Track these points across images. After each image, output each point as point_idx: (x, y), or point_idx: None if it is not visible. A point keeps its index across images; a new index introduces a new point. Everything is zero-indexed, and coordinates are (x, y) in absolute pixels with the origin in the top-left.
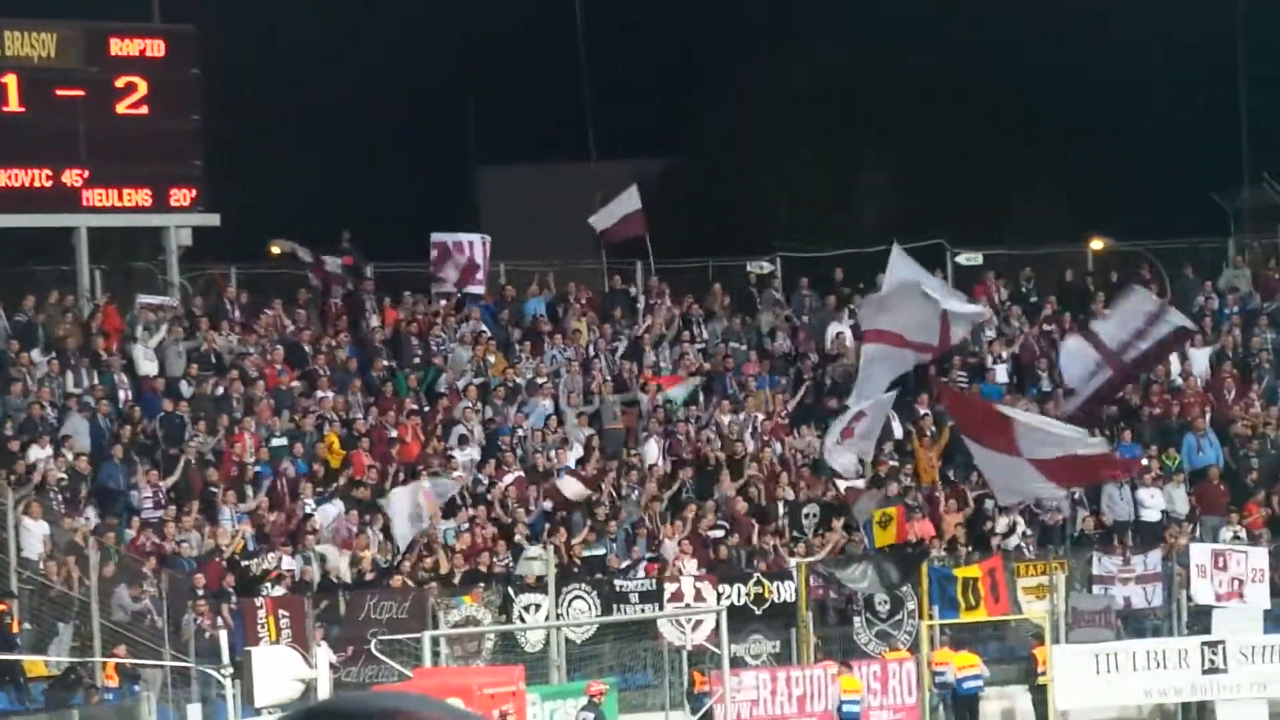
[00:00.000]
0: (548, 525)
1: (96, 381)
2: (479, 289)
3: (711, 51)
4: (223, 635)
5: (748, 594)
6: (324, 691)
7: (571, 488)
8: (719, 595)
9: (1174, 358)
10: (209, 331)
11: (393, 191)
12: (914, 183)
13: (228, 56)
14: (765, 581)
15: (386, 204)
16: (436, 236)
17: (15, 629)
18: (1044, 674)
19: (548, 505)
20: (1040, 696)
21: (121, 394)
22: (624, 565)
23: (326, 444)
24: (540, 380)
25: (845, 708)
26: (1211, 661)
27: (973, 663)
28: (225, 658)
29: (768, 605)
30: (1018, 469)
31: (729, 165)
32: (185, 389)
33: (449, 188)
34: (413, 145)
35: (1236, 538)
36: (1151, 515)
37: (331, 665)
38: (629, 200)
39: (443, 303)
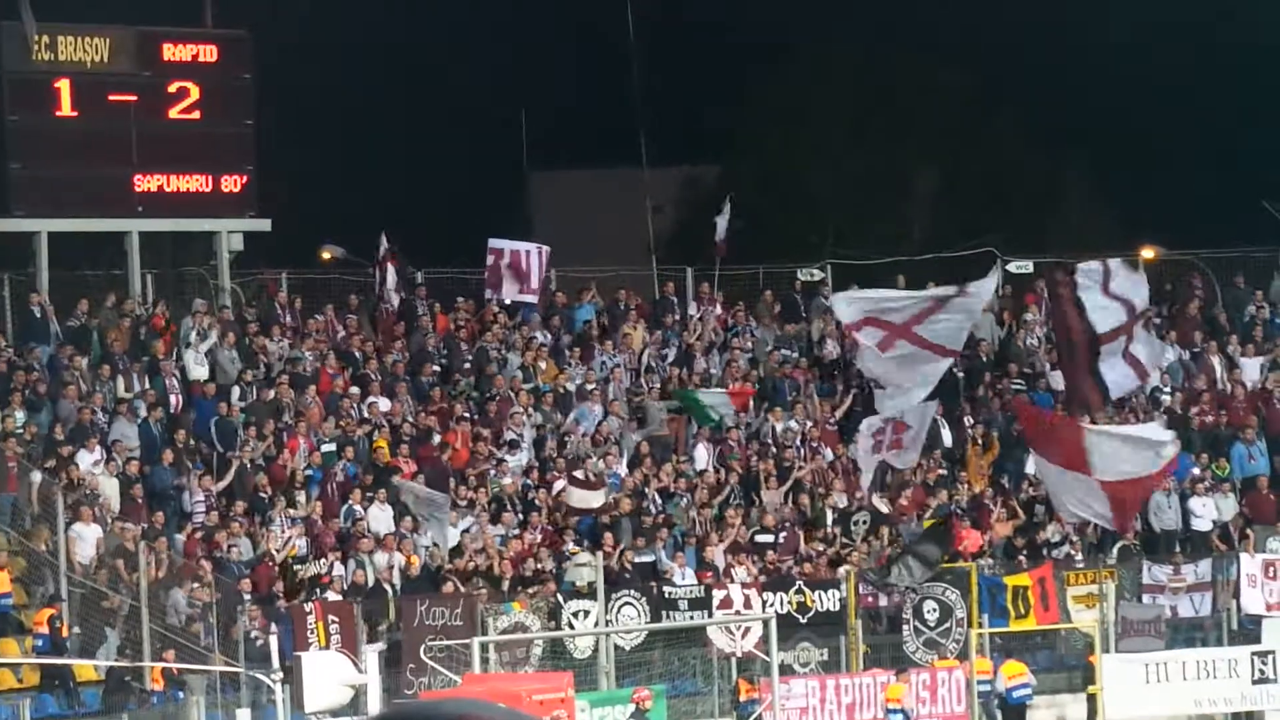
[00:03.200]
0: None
1: (148, 386)
2: (531, 298)
3: (761, 60)
4: (272, 640)
5: (790, 602)
6: (374, 696)
7: (580, 498)
8: (764, 603)
9: (1219, 363)
10: (259, 337)
11: (445, 197)
12: (964, 190)
13: (279, 61)
14: (806, 590)
15: (439, 210)
16: (495, 243)
17: (65, 633)
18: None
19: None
20: (1095, 705)
21: (173, 399)
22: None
23: (376, 449)
24: (590, 386)
25: (890, 717)
26: (1261, 671)
27: (1020, 672)
28: (275, 663)
29: (811, 614)
30: (1086, 487)
31: (779, 172)
32: (236, 394)
33: (500, 193)
34: (465, 151)
35: None
36: (1201, 525)
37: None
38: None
39: (495, 309)
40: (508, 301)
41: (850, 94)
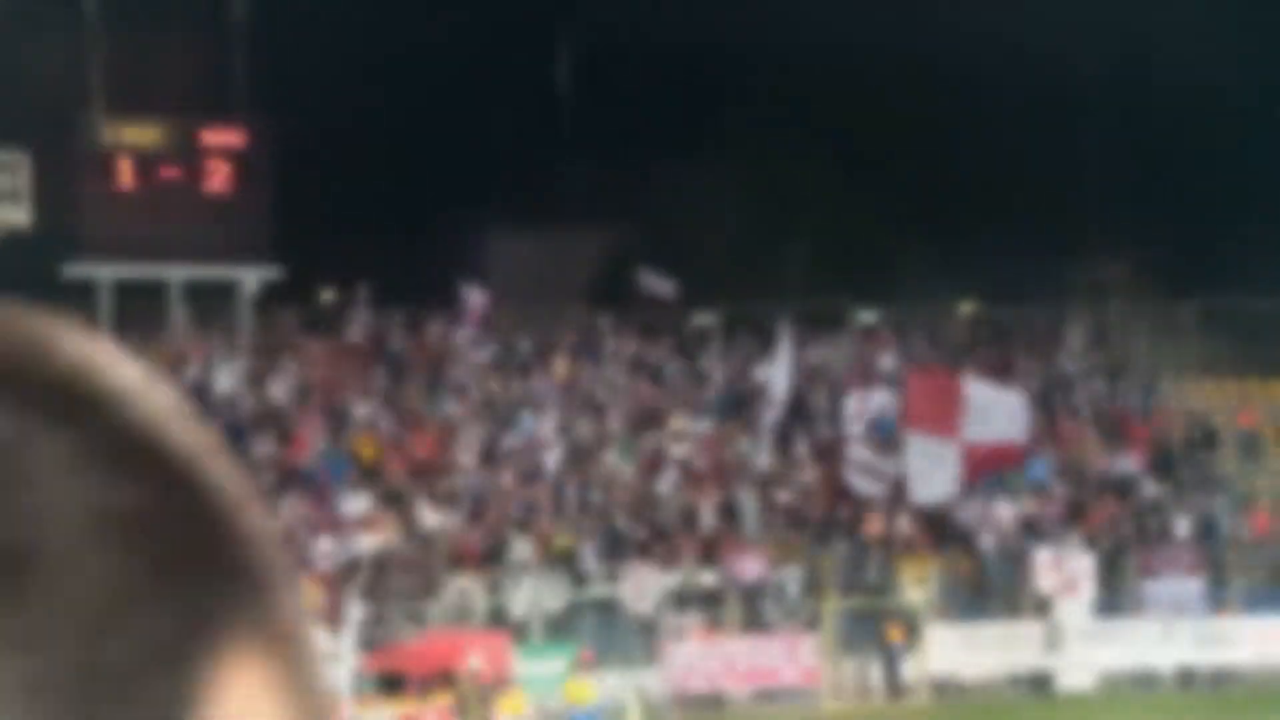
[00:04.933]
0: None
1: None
2: (477, 329)
3: (664, 120)
4: None
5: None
6: (348, 648)
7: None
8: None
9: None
10: (272, 369)
11: (414, 244)
12: (823, 243)
13: (296, 137)
14: (696, 569)
15: (410, 254)
16: (462, 288)
17: None
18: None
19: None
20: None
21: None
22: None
23: (361, 449)
24: (528, 405)
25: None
26: (1052, 640)
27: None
28: None
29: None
30: (947, 456)
31: (683, 227)
32: (248, 404)
33: (457, 244)
34: (428, 204)
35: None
36: (1004, 522)
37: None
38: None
39: (455, 339)
40: (468, 331)
41: (734, 157)
